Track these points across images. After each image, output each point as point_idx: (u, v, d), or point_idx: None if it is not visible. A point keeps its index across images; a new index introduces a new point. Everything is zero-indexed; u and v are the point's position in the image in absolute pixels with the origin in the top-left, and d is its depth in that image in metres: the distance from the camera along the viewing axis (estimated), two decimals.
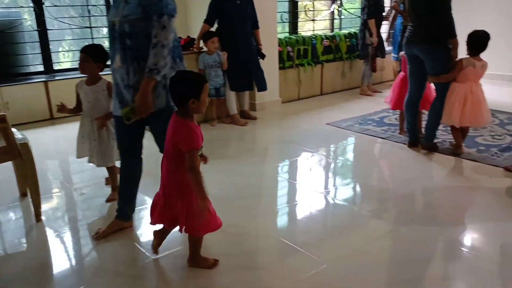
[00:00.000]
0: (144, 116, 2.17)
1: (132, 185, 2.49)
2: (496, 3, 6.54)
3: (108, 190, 2.96)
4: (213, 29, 4.56)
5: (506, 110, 4.74)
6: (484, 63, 3.44)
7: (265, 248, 2.32)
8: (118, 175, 2.67)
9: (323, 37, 6.02)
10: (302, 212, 2.77)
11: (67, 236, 2.48)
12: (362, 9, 5.82)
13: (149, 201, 2.84)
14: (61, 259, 2.27)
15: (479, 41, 3.39)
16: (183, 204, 1.96)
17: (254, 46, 4.67)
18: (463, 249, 2.29)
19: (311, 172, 3.46)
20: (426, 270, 2.10)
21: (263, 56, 4.70)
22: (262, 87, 4.71)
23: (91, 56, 2.62)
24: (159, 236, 2.22)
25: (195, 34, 4.71)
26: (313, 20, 6.30)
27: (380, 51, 5.93)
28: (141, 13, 2.09)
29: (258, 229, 2.49)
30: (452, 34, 3.35)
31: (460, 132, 3.60)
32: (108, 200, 2.86)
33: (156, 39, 2.06)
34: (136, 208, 2.58)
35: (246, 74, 4.61)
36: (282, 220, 2.68)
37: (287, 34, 5.97)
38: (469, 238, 2.42)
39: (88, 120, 2.75)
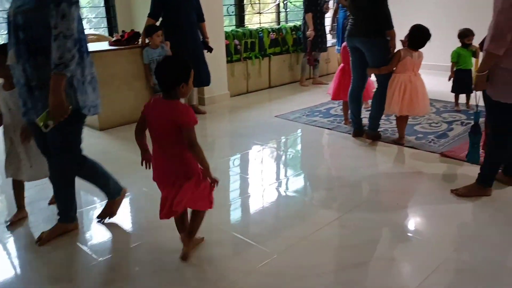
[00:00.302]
0: (62, 120, 1.97)
1: (66, 185, 2.34)
2: None
3: (51, 192, 2.85)
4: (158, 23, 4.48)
5: (442, 99, 5.03)
6: (421, 53, 3.62)
7: (217, 243, 2.34)
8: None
9: (269, 30, 6.08)
10: (253, 205, 2.82)
11: (10, 243, 2.37)
12: (303, 2, 5.96)
13: (98, 201, 2.78)
14: (3, 267, 2.17)
15: (421, 36, 3.52)
16: (192, 183, 1.99)
17: (200, 39, 4.64)
18: (406, 232, 2.44)
19: (261, 165, 3.52)
20: (373, 254, 2.22)
21: (210, 50, 4.68)
22: (207, 81, 4.70)
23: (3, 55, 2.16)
24: (183, 227, 2.20)
25: (139, 28, 4.60)
26: (259, 13, 6.33)
27: (318, 44, 6.08)
28: (34, 2, 1.90)
29: (210, 224, 2.50)
30: (390, 25, 3.50)
31: (404, 123, 3.78)
32: (50, 203, 2.75)
33: (56, 30, 1.87)
34: (85, 209, 2.51)
35: (196, 68, 4.55)
36: (233, 214, 2.72)
37: (234, 27, 5.97)
38: (411, 221, 2.57)
39: (11, 131, 2.43)
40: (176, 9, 4.38)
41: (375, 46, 3.55)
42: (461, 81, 4.59)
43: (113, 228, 2.52)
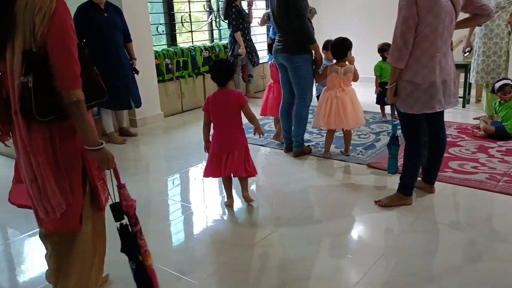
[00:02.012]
0: None
1: None
2: (358, 11, 7.17)
3: None
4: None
5: (370, 110, 5.19)
6: (348, 68, 3.64)
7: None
8: None
9: (202, 48, 6.05)
10: (180, 231, 2.72)
11: None
12: (228, 23, 6.03)
13: None
14: None
15: (335, 47, 3.64)
16: (243, 153, 2.88)
17: (128, 60, 4.50)
18: (331, 247, 2.44)
19: (194, 188, 3.43)
20: (299, 273, 2.18)
21: (136, 71, 4.54)
22: (138, 103, 4.55)
23: None
24: (230, 187, 2.98)
25: None
26: (191, 31, 6.29)
27: (250, 60, 6.16)
28: None
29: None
30: (311, 40, 3.54)
31: (331, 138, 3.82)
32: None
33: None
34: None
35: (122, 90, 4.40)
36: (158, 242, 2.59)
37: (165, 46, 5.88)
38: (337, 235, 2.56)
39: None
40: (100, 31, 4.22)
41: (295, 62, 3.59)
42: (384, 93, 4.76)
43: None
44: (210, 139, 2.91)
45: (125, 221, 1.76)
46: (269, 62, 6.37)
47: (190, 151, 4.21)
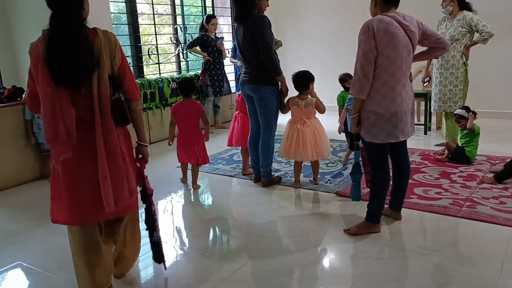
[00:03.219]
0: None
1: None
2: (322, 43, 7.42)
3: None
4: None
5: (337, 138, 5.29)
6: (309, 101, 3.70)
7: None
8: None
9: (169, 79, 6.06)
10: (151, 266, 2.63)
11: None
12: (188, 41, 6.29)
13: None
14: None
15: (296, 80, 3.71)
16: (198, 147, 3.89)
17: None
18: (301, 279, 2.41)
19: (164, 222, 3.34)
20: None
21: None
22: None
23: None
24: (185, 171, 4.06)
25: (22, 84, 4.30)
26: (158, 63, 6.30)
27: (217, 89, 6.27)
28: None
29: None
30: (278, 72, 3.59)
31: (299, 168, 3.84)
32: None
33: None
34: None
35: None
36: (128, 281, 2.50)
37: None
38: (307, 266, 2.55)
39: None
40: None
41: (262, 94, 3.64)
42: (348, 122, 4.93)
43: None
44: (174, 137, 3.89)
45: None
46: (237, 93, 6.51)
47: (158, 183, 4.13)
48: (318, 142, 3.68)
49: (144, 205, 2.35)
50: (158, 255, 2.43)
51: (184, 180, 4.09)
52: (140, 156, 2.26)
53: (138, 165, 2.26)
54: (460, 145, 4.27)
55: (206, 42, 6.07)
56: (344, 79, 4.94)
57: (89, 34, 2.00)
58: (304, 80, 3.69)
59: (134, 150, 2.25)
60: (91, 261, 2.15)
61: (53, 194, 2.12)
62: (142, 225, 2.41)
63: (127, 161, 2.09)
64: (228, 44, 7.41)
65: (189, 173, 4.01)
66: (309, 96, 3.72)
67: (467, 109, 4.21)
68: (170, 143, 3.89)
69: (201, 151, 3.84)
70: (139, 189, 2.28)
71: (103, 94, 1.99)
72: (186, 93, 3.83)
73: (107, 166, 2.00)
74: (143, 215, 2.39)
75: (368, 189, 2.92)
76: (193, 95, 3.89)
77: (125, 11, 5.86)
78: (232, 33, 7.54)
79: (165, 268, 2.49)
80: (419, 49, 2.76)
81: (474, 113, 4.20)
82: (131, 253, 2.42)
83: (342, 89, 4.77)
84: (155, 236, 2.38)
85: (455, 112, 4.28)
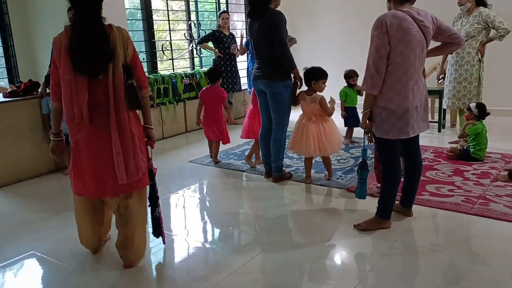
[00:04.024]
0: None
1: None
2: (335, 41, 7.38)
3: None
4: None
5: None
6: (315, 97, 3.64)
7: None
8: None
9: (183, 75, 6.10)
10: (164, 257, 2.67)
11: None
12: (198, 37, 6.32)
13: None
14: None
15: (304, 75, 3.70)
16: (220, 127, 4.52)
17: None
18: (311, 272, 2.42)
19: (169, 215, 3.38)
20: None
21: None
22: None
23: None
24: (211, 146, 4.68)
25: (39, 78, 4.38)
26: (171, 59, 6.35)
27: (230, 85, 6.27)
28: None
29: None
30: (292, 66, 3.60)
31: (310, 163, 3.85)
32: None
33: None
34: None
35: None
36: (138, 269, 2.54)
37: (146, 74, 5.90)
38: (316, 260, 2.55)
39: None
40: None
41: (276, 89, 3.64)
42: (348, 117, 5.08)
43: None
44: (201, 117, 4.52)
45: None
46: (249, 89, 6.53)
47: (170, 178, 4.18)
48: (321, 139, 3.65)
49: (149, 184, 2.59)
50: (157, 230, 2.67)
51: (211, 154, 4.67)
52: (146, 139, 2.52)
53: (149, 147, 2.54)
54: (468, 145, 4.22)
55: (218, 38, 6.08)
56: (349, 75, 4.97)
57: (106, 29, 2.25)
58: (309, 75, 3.68)
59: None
60: (94, 218, 2.56)
61: (74, 172, 2.40)
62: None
63: (135, 141, 2.35)
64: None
65: None
66: (317, 92, 3.71)
67: (480, 106, 4.14)
68: (199, 123, 4.51)
69: (222, 131, 4.45)
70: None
71: (118, 81, 2.25)
72: (212, 80, 4.46)
73: (119, 143, 2.27)
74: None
75: (376, 186, 2.91)
76: (218, 82, 4.48)
77: (140, 7, 5.91)
78: (246, 29, 7.55)
79: (164, 243, 2.74)
80: (433, 44, 2.74)
81: (487, 113, 4.14)
82: (140, 243, 2.54)
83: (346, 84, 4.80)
84: (157, 212, 2.63)
85: (468, 104, 4.23)
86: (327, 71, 3.75)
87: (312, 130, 3.65)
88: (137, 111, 2.41)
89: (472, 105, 4.16)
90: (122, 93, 2.26)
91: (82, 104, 2.21)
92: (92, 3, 2.21)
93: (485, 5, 4.31)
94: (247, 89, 6.89)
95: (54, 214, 3.36)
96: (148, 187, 2.56)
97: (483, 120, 4.17)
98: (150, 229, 2.72)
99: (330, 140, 3.69)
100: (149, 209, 2.62)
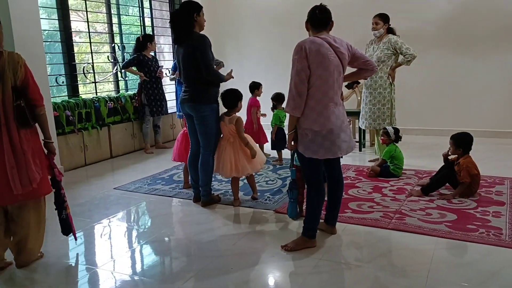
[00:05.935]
0: None
1: None
2: (261, 62, 7.58)
3: None
4: None
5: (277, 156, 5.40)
6: (232, 118, 3.71)
7: None
8: None
9: (107, 99, 5.90)
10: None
11: None
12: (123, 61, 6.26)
13: None
14: None
15: (226, 97, 3.78)
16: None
17: None
18: None
19: (101, 247, 3.21)
20: None
21: None
22: None
23: None
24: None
25: None
26: (94, 82, 6.12)
27: (157, 109, 6.19)
28: None
29: None
30: (222, 79, 3.73)
31: (236, 185, 3.86)
32: None
33: None
34: None
35: None
36: None
37: (66, 98, 5.62)
38: (250, 281, 2.54)
39: None
40: None
41: (202, 112, 3.65)
42: (278, 138, 5.24)
43: None
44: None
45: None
46: (178, 113, 6.48)
47: (93, 206, 3.97)
48: (238, 159, 3.70)
49: (53, 190, 2.87)
50: (66, 229, 3.00)
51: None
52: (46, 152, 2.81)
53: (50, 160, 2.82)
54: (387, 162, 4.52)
55: (142, 61, 6.00)
56: (278, 98, 5.21)
57: None
58: (227, 97, 3.77)
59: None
60: None
61: None
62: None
63: (27, 156, 2.60)
64: (168, 64, 7.37)
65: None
66: (236, 114, 3.78)
67: (396, 131, 4.48)
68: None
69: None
70: (50, 180, 2.84)
71: (7, 101, 2.54)
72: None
73: (13, 158, 2.55)
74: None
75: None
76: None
77: (58, 29, 5.66)
78: (173, 52, 7.52)
79: (76, 239, 3.10)
80: (349, 70, 2.92)
81: (399, 137, 4.49)
82: (34, 246, 2.82)
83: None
84: (64, 214, 2.95)
85: (383, 127, 4.56)
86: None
87: (229, 151, 3.70)
88: (36, 126, 2.69)
89: (390, 130, 4.47)
90: (11, 113, 2.52)
91: None
92: None
93: (394, 33, 4.70)
94: (175, 112, 6.82)
95: None
96: (53, 194, 2.88)
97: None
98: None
99: (244, 161, 3.72)
100: (56, 212, 2.94)
